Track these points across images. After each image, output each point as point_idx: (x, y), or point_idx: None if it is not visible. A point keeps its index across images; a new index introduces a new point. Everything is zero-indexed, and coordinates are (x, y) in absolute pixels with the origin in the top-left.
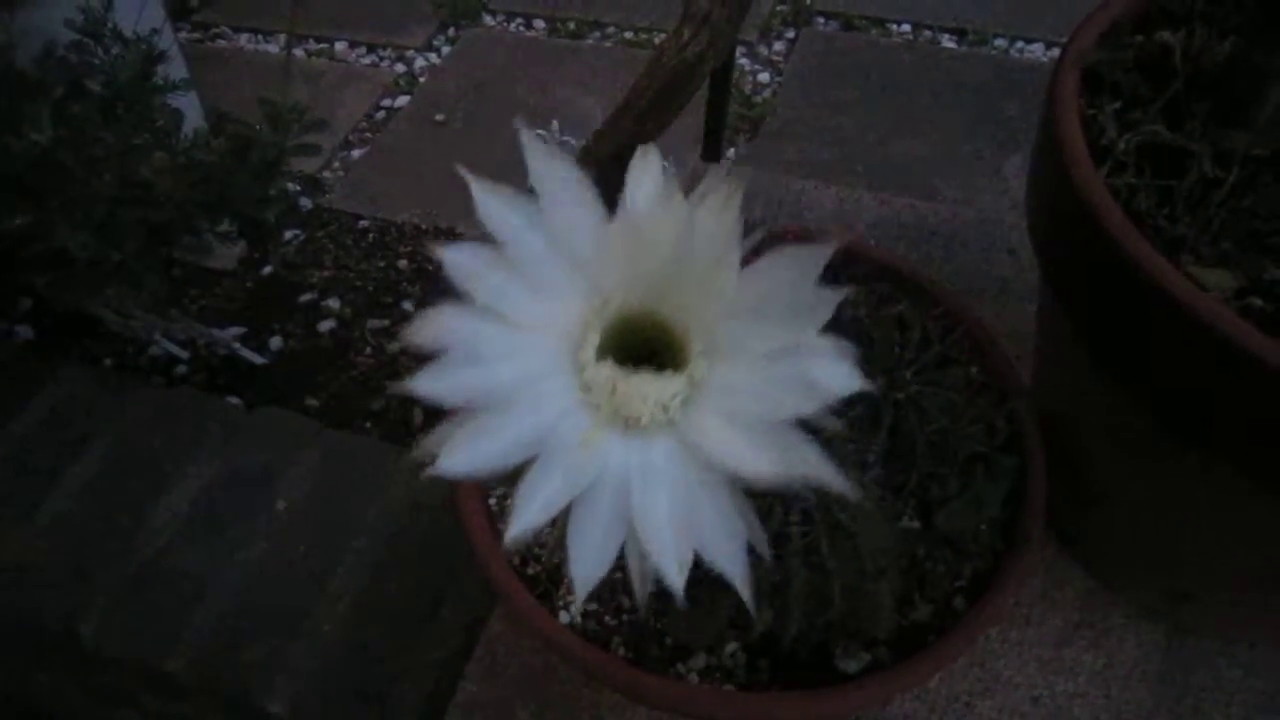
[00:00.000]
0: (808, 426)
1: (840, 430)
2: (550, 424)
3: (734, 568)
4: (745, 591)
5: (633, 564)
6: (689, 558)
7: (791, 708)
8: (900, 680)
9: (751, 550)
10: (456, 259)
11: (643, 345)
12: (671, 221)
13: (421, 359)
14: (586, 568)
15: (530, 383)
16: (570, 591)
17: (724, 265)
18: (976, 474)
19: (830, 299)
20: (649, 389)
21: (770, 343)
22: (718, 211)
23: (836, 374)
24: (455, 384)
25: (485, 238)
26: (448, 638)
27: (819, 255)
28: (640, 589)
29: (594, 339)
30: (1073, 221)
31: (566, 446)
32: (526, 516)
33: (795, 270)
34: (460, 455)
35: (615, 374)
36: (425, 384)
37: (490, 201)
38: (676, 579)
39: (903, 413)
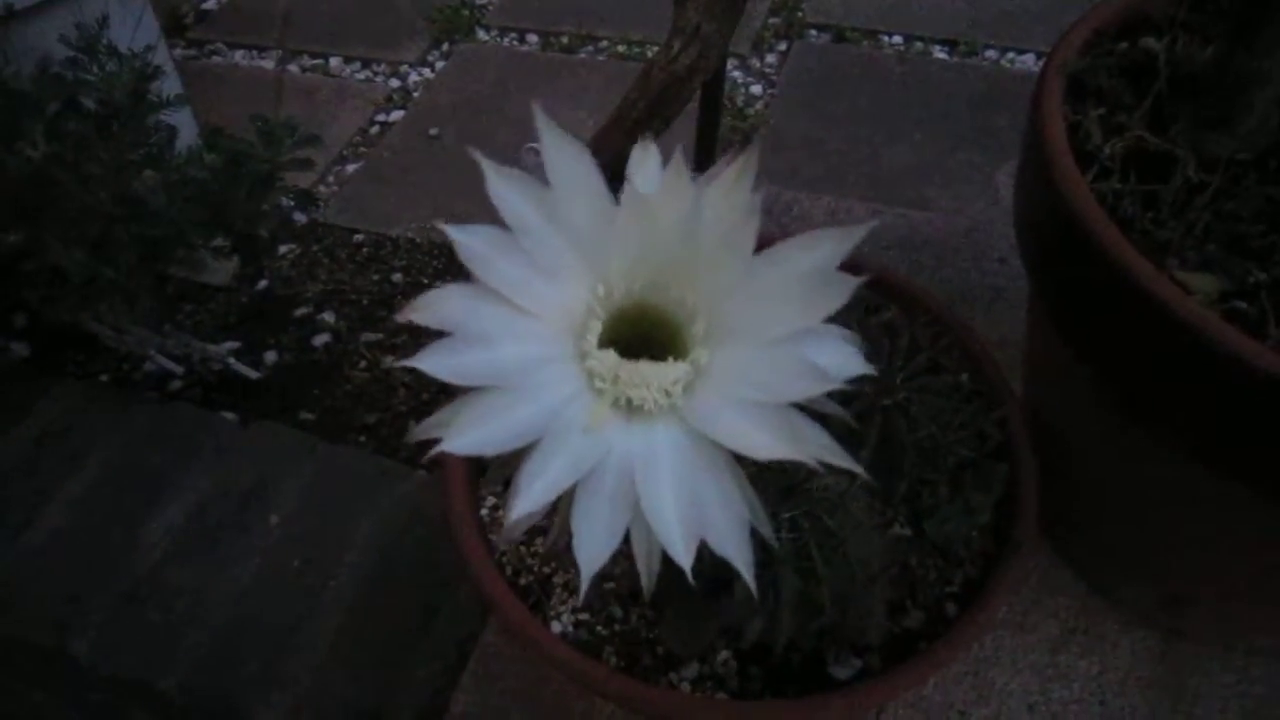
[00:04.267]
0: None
1: (844, 417)
2: (555, 408)
3: (737, 550)
4: (748, 574)
5: (638, 548)
6: (695, 536)
7: (784, 715)
8: (892, 686)
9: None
10: (467, 241)
11: (641, 336)
12: (679, 200)
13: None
14: (592, 550)
15: (535, 367)
16: (562, 601)
17: (735, 245)
18: (967, 481)
19: (849, 284)
20: (652, 374)
21: (782, 327)
22: (728, 189)
23: (840, 358)
24: (460, 364)
25: (497, 221)
26: (442, 650)
27: (850, 237)
28: (646, 574)
29: (596, 326)
30: (1058, 226)
31: (571, 430)
32: (530, 497)
33: (824, 251)
34: (467, 435)
35: (618, 361)
36: (431, 362)
37: (502, 185)
38: (684, 557)
39: (891, 419)
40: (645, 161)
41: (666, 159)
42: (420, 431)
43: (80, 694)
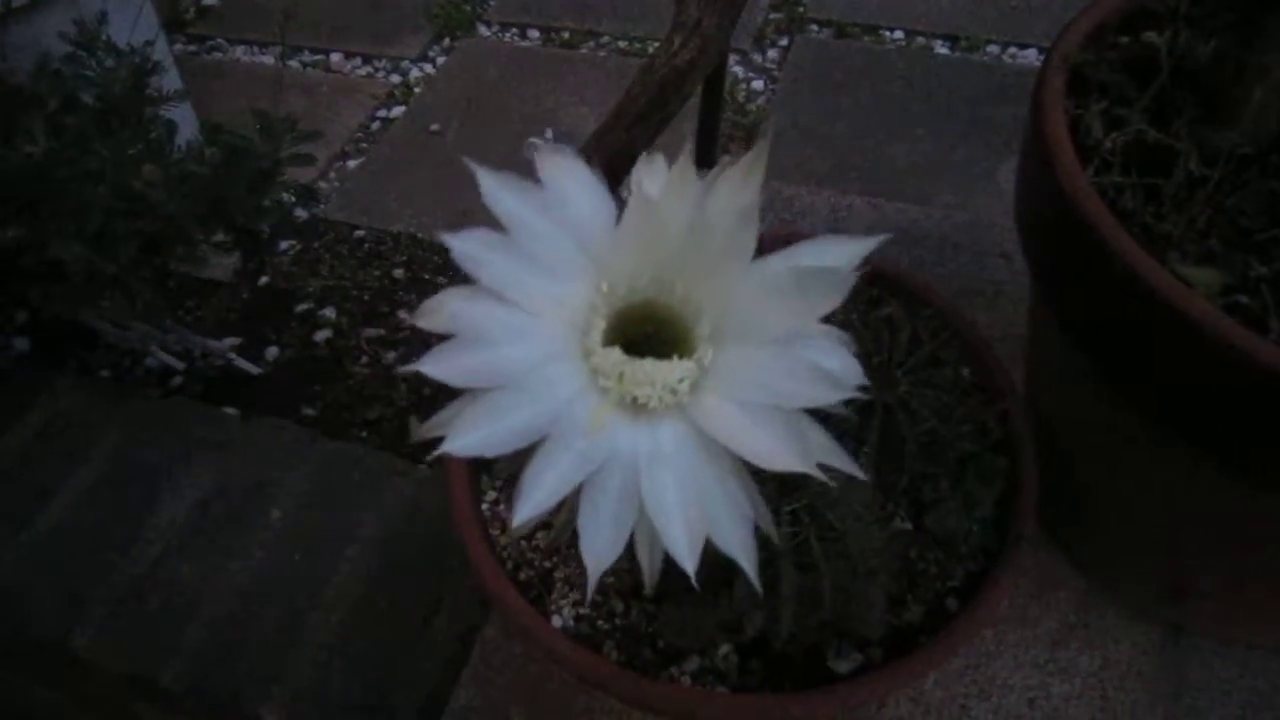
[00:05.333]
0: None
1: (849, 417)
2: (559, 407)
3: (742, 549)
4: (752, 573)
5: (641, 547)
6: (700, 538)
7: (784, 709)
8: (892, 680)
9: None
10: (463, 246)
11: (646, 334)
12: (685, 200)
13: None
14: (598, 550)
15: (538, 366)
16: (563, 595)
17: (739, 244)
18: (968, 475)
19: (847, 282)
20: (657, 373)
21: (783, 326)
22: (734, 189)
23: (845, 365)
24: (462, 366)
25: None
26: (443, 646)
27: (863, 246)
28: (649, 572)
29: (600, 325)
30: (1059, 221)
31: (575, 429)
32: (535, 498)
33: (828, 255)
34: (469, 435)
35: (623, 359)
36: (433, 365)
37: (497, 189)
38: (688, 559)
39: (892, 414)
40: (652, 167)
41: (666, 156)
42: (424, 431)
43: (81, 687)
